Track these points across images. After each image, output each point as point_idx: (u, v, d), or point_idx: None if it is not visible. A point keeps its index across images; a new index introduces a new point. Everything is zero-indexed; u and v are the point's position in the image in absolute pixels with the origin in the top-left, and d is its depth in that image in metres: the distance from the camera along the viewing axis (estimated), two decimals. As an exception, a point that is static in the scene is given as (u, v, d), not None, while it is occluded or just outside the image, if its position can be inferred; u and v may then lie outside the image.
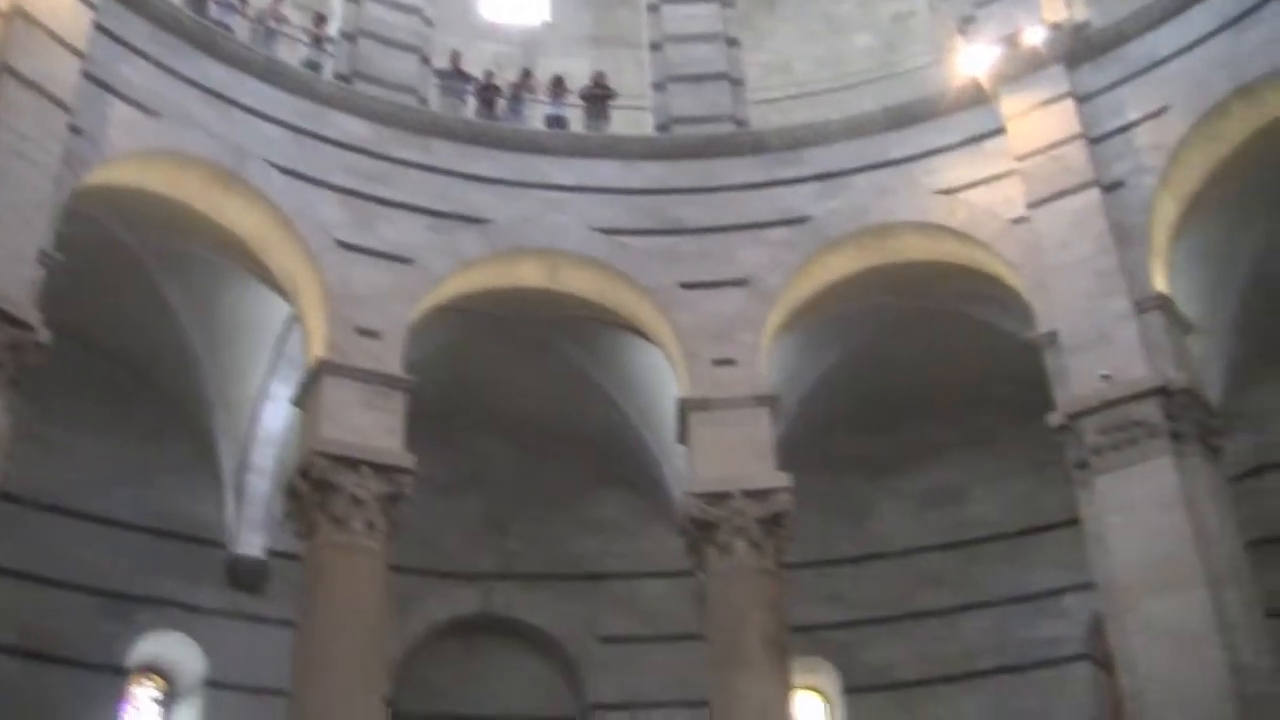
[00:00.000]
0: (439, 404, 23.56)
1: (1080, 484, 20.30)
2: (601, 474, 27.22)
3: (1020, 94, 23.28)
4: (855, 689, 26.17)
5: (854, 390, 25.45)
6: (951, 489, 27.02)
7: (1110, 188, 21.80)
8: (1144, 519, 19.23)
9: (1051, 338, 21.29)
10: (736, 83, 26.93)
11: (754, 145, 25.25)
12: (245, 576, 24.20)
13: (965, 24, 25.10)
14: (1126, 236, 21.27)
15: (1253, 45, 21.13)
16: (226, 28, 23.17)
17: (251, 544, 24.42)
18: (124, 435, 23.83)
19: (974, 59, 23.92)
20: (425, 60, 26.02)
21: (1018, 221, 22.43)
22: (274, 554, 24.24)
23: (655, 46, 27.59)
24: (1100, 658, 23.29)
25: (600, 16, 31.44)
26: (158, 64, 21.16)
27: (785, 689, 20.95)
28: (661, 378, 24.20)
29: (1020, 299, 22.29)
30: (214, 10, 23.46)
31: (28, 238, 17.63)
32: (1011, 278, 22.43)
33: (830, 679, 26.52)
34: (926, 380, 25.51)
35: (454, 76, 26.44)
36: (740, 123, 26.16)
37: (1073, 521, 20.87)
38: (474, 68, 27.05)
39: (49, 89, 18.46)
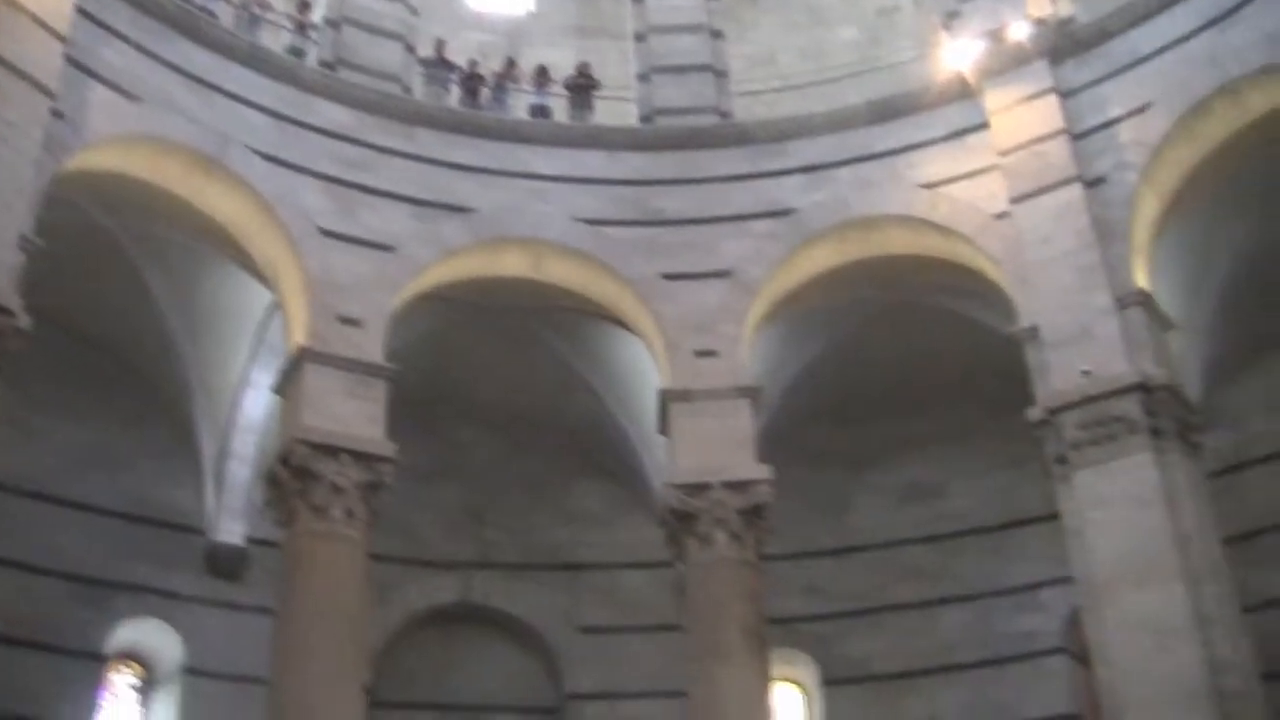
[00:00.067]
0: (420, 393, 23.55)
1: (1060, 479, 20.36)
2: (582, 464, 27.21)
3: (1004, 89, 23.32)
4: (833, 681, 26.22)
5: (835, 383, 25.47)
6: (931, 483, 27.09)
7: (1092, 183, 21.86)
8: (1123, 514, 19.31)
9: (1033, 332, 21.34)
10: (720, 74, 26.96)
11: (738, 137, 25.27)
12: (224, 564, 24.14)
13: (950, 18, 25.12)
14: (1108, 232, 21.34)
15: (1236, 44, 21.21)
16: (210, 13, 23.05)
17: (231, 531, 24.35)
18: (104, 421, 23.76)
19: (958, 53, 23.97)
20: (410, 48, 25.97)
21: (1000, 216, 22.48)
22: (253, 541, 24.17)
23: (639, 37, 27.60)
24: (1077, 651, 23.36)
25: (584, 7, 31.42)
26: (140, 49, 21.05)
27: (764, 680, 21.03)
28: (643, 368, 24.22)
29: (1002, 294, 22.34)
30: (197, -6, 23.38)
31: (8, 222, 17.53)
32: (993, 272, 22.49)
33: (809, 671, 26.58)
34: (908, 374, 25.54)
35: (438, 65, 26.37)
36: (724, 114, 26.19)
37: (1052, 516, 20.93)
38: (458, 56, 26.98)
39: (30, 73, 18.32)
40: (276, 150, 22.29)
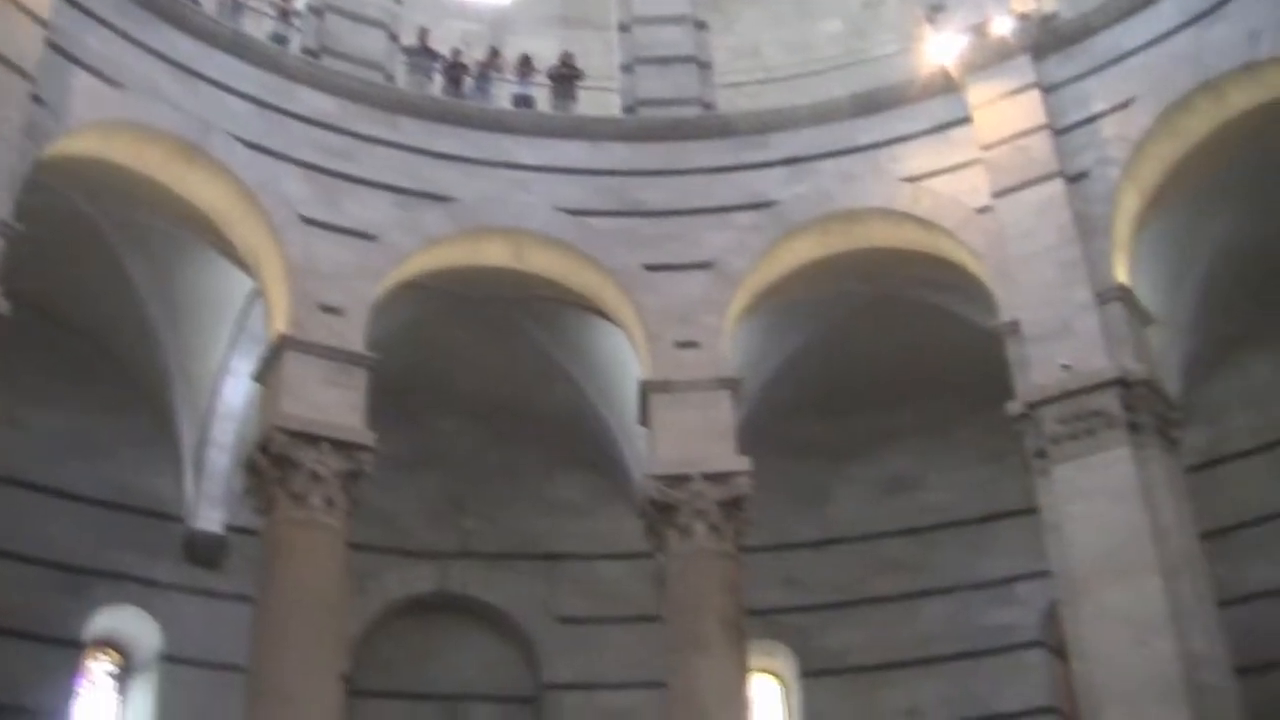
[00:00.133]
0: (401, 381, 23.49)
1: (1039, 473, 20.43)
2: (562, 455, 27.19)
3: (987, 83, 23.38)
4: (812, 673, 26.29)
5: (816, 375, 25.50)
6: (911, 475, 27.16)
7: (1074, 179, 21.93)
8: (1101, 508, 19.39)
9: (1013, 327, 21.40)
10: (704, 66, 26.96)
11: (721, 129, 25.28)
12: (203, 551, 24.08)
13: (934, 12, 25.14)
14: (1090, 227, 21.42)
15: (1218, 40, 21.30)
16: (193, 0, 22.99)
17: (210, 519, 24.28)
18: (83, 408, 23.68)
19: (942, 47, 24.01)
20: (393, 37, 25.93)
21: (982, 210, 22.54)
22: (233, 529, 24.11)
23: (623, 28, 27.58)
24: (1054, 645, 23.46)
25: (569, -3, 31.40)
26: (123, 35, 20.96)
27: (743, 672, 21.08)
28: (624, 359, 24.23)
29: (983, 288, 22.40)
30: (181, -19, 23.28)
31: (-11, 207, 17.49)
32: (975, 266, 22.54)
33: (787, 663, 26.64)
34: (888, 367, 25.58)
35: (421, 54, 26.32)
36: (707, 106, 26.20)
37: (1031, 510, 20.96)
38: (442, 45, 26.92)
39: (11, 58, 18.18)
40: (259, 138, 22.22)
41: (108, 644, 23.73)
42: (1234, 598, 21.50)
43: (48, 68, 19.11)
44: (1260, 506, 23.39)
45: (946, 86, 23.90)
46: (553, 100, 26.62)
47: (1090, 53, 22.88)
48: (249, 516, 21.63)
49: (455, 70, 26.32)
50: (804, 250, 24.00)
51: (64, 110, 19.52)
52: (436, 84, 26.10)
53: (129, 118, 20.75)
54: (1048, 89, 22.91)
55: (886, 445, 27.24)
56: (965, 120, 23.46)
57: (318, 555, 19.79)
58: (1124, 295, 20.98)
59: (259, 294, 22.51)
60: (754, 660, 22.69)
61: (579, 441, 26.55)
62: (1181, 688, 17.91)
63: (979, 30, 23.60)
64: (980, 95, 23.38)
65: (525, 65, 27.12)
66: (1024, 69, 23.15)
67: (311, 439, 20.19)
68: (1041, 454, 20.36)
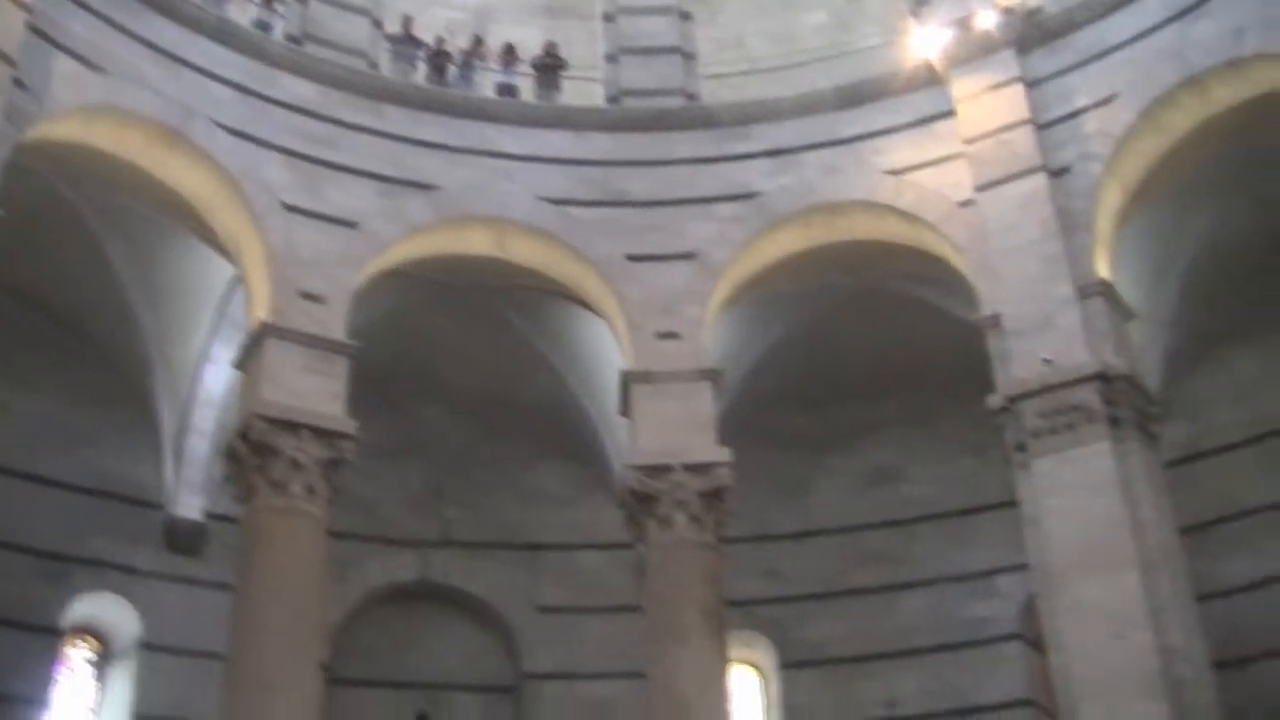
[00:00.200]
0: (382, 370, 23.45)
1: (1018, 466, 20.49)
2: (543, 444, 27.17)
3: (971, 77, 23.41)
4: (791, 664, 26.35)
5: (797, 367, 25.53)
6: (891, 468, 27.23)
7: (1057, 173, 21.98)
8: (1080, 502, 19.44)
9: (995, 320, 21.44)
10: (688, 57, 26.96)
11: (704, 120, 25.27)
12: (183, 539, 24.03)
13: (918, 5, 25.11)
14: (1072, 222, 21.46)
15: (1201, 37, 21.35)
16: (176, -15, 22.91)
17: (190, 506, 24.23)
18: (63, 394, 23.59)
19: (926, 41, 24.01)
20: (377, 24, 25.86)
21: (965, 204, 22.57)
22: (212, 517, 24.07)
23: (608, 18, 27.56)
24: (1033, 638, 23.56)
25: (553, -14, 31.32)
26: (105, 19, 20.85)
27: (723, 662, 21.14)
28: (605, 349, 24.23)
29: (965, 281, 22.44)
30: (163, -34, 23.17)
31: (-32, 192, 17.42)
32: (957, 260, 22.57)
33: (767, 654, 26.68)
34: (870, 359, 25.62)
35: (405, 41, 26.26)
36: (691, 97, 26.19)
37: (1010, 503, 21.03)
38: (426, 33, 26.83)
39: (-7, 42, 18.18)
40: (241, 124, 22.15)
41: (87, 631, 23.67)
42: (1212, 592, 21.60)
43: (29, 52, 18.99)
44: (1239, 501, 23.51)
45: (930, 80, 23.91)
46: (536, 90, 26.55)
47: (1074, 48, 22.91)
48: (229, 504, 21.60)
49: (439, 58, 26.25)
50: (786, 242, 24.01)
51: (45, 94, 19.42)
52: (420, 72, 26.01)
53: (111, 102, 20.66)
54: (1031, 83, 22.93)
55: (868, 437, 27.28)
56: (949, 114, 23.48)
57: (298, 543, 19.76)
58: (1105, 290, 21.03)
59: (240, 281, 22.43)
60: (733, 651, 22.76)
61: (560, 431, 26.54)
62: (1159, 682, 17.98)
63: (963, 24, 23.62)
64: (964, 89, 23.40)
65: (509, 54, 27.07)
66: (1008, 63, 23.17)
67: (292, 426, 20.15)
68: (1022, 447, 20.40)
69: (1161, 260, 23.05)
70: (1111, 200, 21.80)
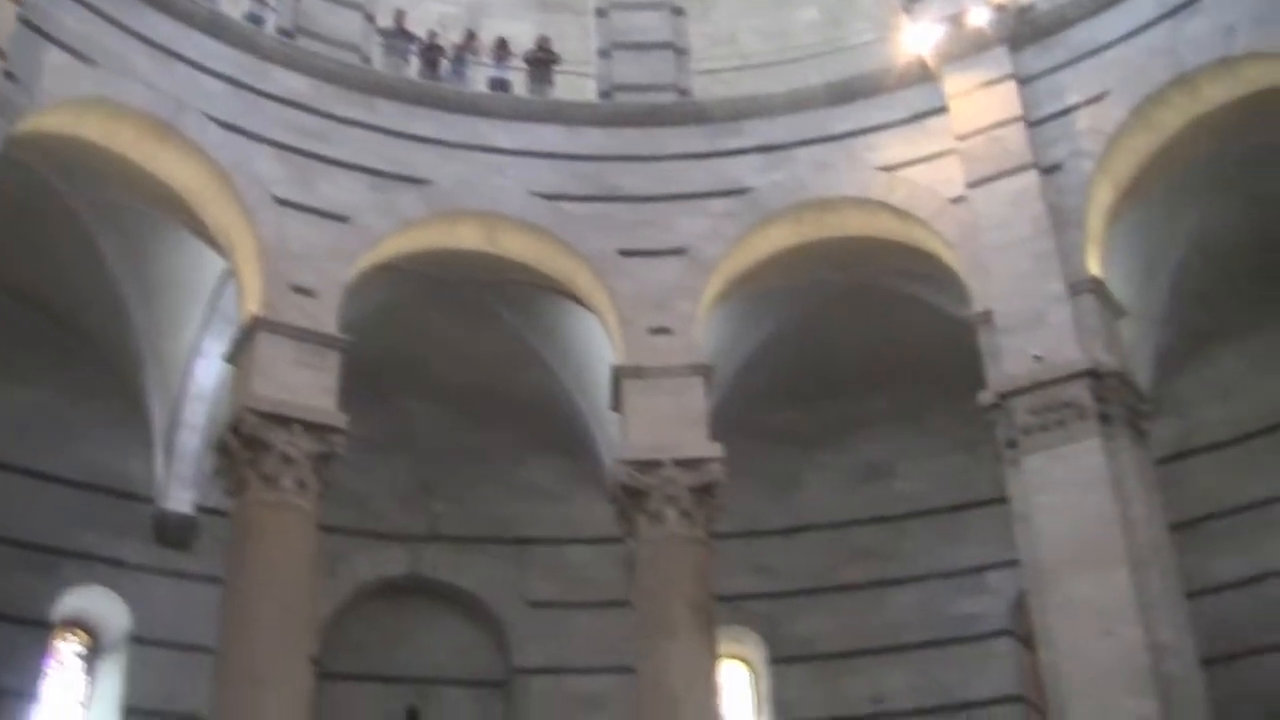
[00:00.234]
0: (373, 364, 23.41)
1: (1009, 462, 20.52)
2: (534, 439, 27.16)
3: (963, 74, 23.42)
4: (781, 659, 26.37)
5: (789, 363, 25.55)
6: (882, 464, 27.25)
7: (1048, 170, 22.01)
8: (1070, 499, 19.48)
9: (986, 317, 21.47)
10: (681, 52, 26.96)
11: (696, 115, 25.27)
12: (173, 532, 24.00)
13: (910, 2, 25.13)
14: (1063, 219, 21.49)
15: (1193, 35, 21.39)
16: (168, -23, 22.86)
17: (181, 500, 24.18)
18: (54, 387, 23.54)
19: (918, 37, 24.03)
20: (369, 18, 25.85)
21: (956, 200, 22.60)
22: (203, 510, 24.01)
23: (601, 13, 27.55)
24: (1022, 634, 23.60)
25: (546, -20, 31.29)
26: (96, 12, 20.80)
27: (712, 657, 21.13)
28: (597, 344, 24.23)
29: (956, 277, 22.47)
30: (155, -40, 23.11)
31: (-41, 184, 17.40)
32: (948, 256, 22.60)
33: (756, 649, 26.71)
34: (860, 355, 25.66)
35: (397, 35, 26.21)
36: (683, 92, 26.21)
37: (1001, 499, 21.04)
38: (418, 27, 26.78)
39: (-19, 33, 18.14)
40: (233, 118, 22.11)
41: (76, 624, 23.62)
42: (1201, 589, 21.73)
43: (20, 44, 18.97)
44: (1228, 499, 23.57)
45: (923, 76, 23.93)
46: (529, 84, 26.56)
47: (1066, 45, 22.94)
48: (220, 497, 21.56)
49: (431, 53, 26.22)
50: (778, 238, 24.02)
51: (36, 87, 19.36)
52: (412, 66, 25.98)
53: (102, 95, 20.61)
54: (1023, 80, 22.96)
55: (858, 433, 27.30)
56: (941, 110, 23.51)
57: (288, 537, 19.75)
58: (1096, 287, 21.07)
59: (231, 274, 22.41)
60: (723, 646, 22.73)
61: (551, 426, 26.53)
62: (1148, 678, 18.01)
63: (956, 20, 23.64)
64: (956, 85, 23.43)
65: (501, 49, 27.05)
66: (1000, 60, 23.20)
67: (283, 420, 20.14)
68: (1012, 444, 20.43)
69: (1152, 258, 23.10)
70: (1103, 197, 21.84)
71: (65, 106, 20.16)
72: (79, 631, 23.72)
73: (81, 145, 20.96)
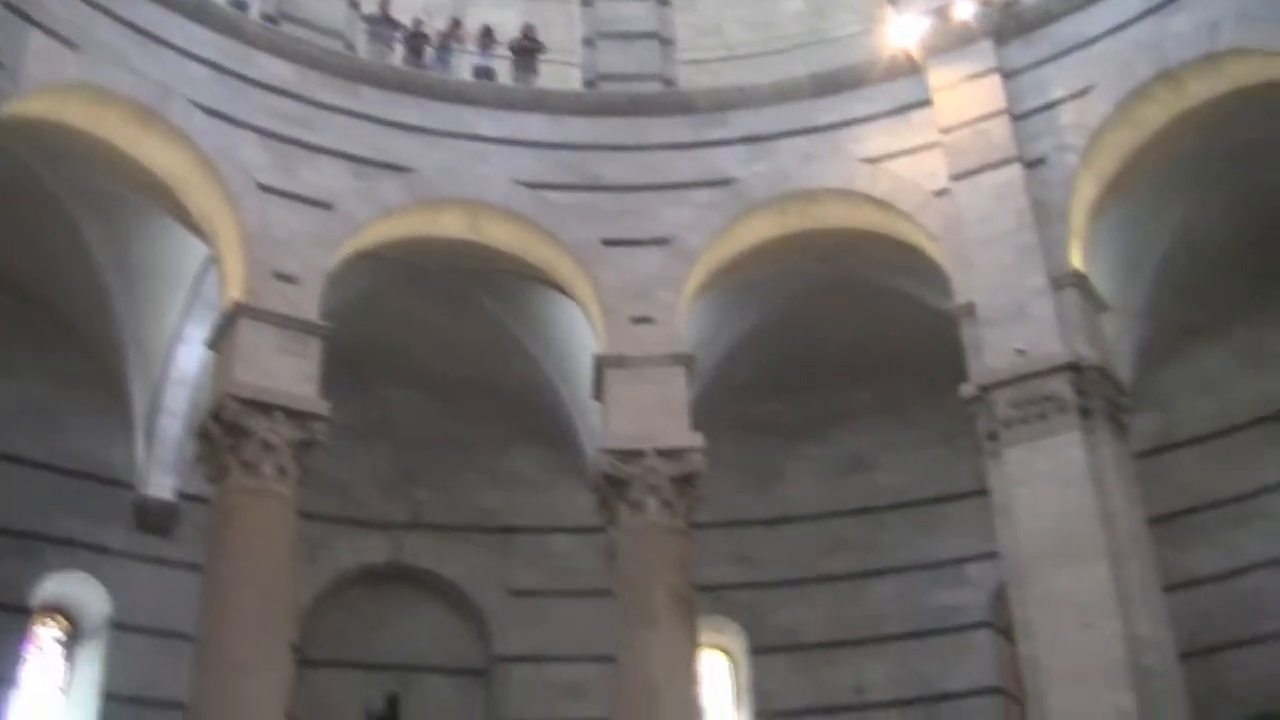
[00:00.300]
0: (356, 351, 23.37)
1: (990, 455, 20.56)
2: (516, 428, 27.15)
3: (948, 67, 23.44)
4: (761, 650, 26.43)
5: (772, 354, 25.59)
6: (863, 455, 27.31)
7: (1032, 164, 22.04)
8: (1050, 492, 19.54)
9: (968, 310, 21.51)
10: (666, 42, 26.92)
11: (681, 105, 25.25)
12: (154, 519, 23.96)
13: (896, -6, 25.20)
14: (1046, 213, 21.53)
15: (1177, 30, 21.43)
16: (152, -38, 22.76)
17: (161, 486, 24.16)
18: (34, 373, 23.48)
19: (904, 30, 24.06)
20: (354, 4, 25.79)
21: (940, 193, 22.62)
22: (184, 497, 23.98)
23: (586, 2, 27.50)
24: (1002, 626, 23.68)
25: (532, -31, 31.22)
26: (81, -4, 20.79)
27: (692, 647, 21.18)
28: (579, 333, 24.23)
29: (939, 270, 22.49)
30: (139, -56, 23.02)
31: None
32: (931, 249, 22.63)
33: (737, 639, 26.76)
34: (843, 347, 25.67)
35: (382, 23, 26.15)
36: (668, 82, 26.18)
37: (981, 492, 21.06)
38: (403, 14, 26.70)
39: (-35, 18, 18.07)
40: (217, 104, 22.02)
41: (56, 610, 23.58)
42: (1180, 583, 21.80)
43: (3, 27, 18.88)
44: (1207, 493, 23.69)
45: (907, 69, 23.94)
46: (513, 73, 26.51)
47: (1051, 39, 22.97)
48: (201, 484, 21.48)
49: (416, 40, 26.15)
50: (762, 229, 24.03)
51: (19, 71, 19.25)
52: (397, 53, 25.91)
53: (86, 80, 20.52)
54: (1008, 74, 23.00)
55: (840, 425, 27.36)
56: (925, 103, 23.52)
57: (269, 524, 19.74)
58: (1079, 281, 21.12)
59: (214, 261, 22.35)
60: (704, 636, 22.78)
61: (533, 415, 26.52)
62: (1126, 671, 18.08)
63: (941, 13, 23.67)
64: (941, 78, 23.44)
65: (486, 37, 27.02)
66: (985, 53, 23.22)
67: (264, 407, 20.11)
68: (993, 436, 20.48)
69: (1135, 252, 23.16)
70: (1086, 192, 21.88)
71: (49, 91, 20.08)
72: (59, 617, 23.67)
73: (65, 131, 20.87)
